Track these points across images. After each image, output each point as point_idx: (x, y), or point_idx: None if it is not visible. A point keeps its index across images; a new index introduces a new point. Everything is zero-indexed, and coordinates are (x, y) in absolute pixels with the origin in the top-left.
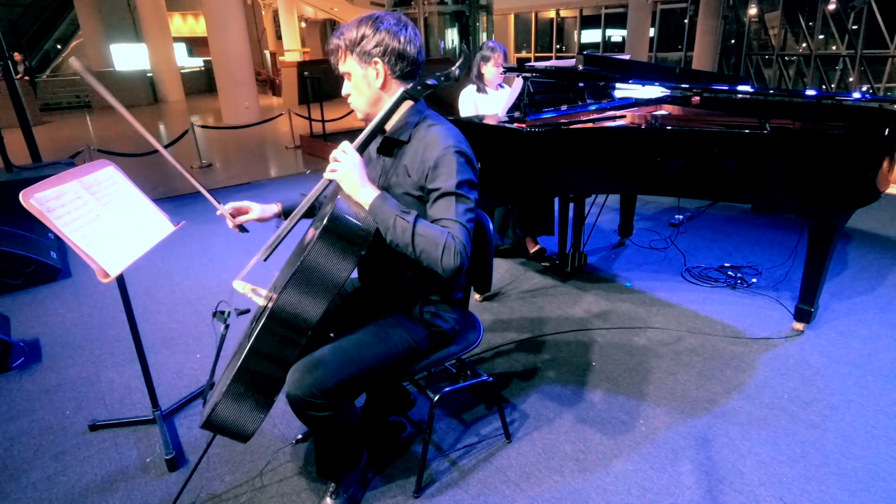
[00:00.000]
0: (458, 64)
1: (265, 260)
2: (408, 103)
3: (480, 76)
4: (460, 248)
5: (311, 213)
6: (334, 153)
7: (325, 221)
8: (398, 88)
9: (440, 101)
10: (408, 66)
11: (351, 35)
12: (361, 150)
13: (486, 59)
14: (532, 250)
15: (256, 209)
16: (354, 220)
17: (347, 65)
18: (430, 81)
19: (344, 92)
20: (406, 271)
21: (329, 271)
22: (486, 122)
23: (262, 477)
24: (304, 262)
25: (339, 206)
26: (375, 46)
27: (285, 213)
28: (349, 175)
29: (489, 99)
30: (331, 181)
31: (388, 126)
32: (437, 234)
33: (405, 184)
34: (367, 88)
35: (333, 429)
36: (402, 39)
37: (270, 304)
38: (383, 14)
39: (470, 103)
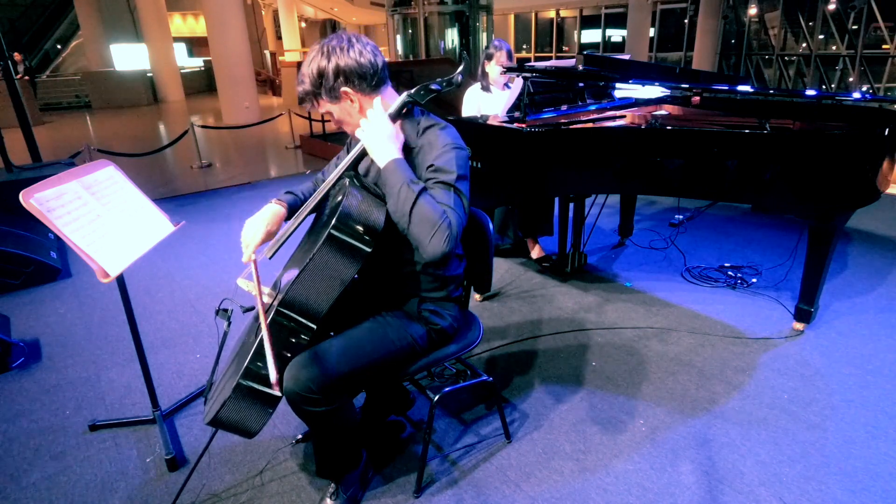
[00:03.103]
0: (459, 70)
1: (270, 258)
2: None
3: (485, 74)
4: (454, 234)
5: (315, 208)
6: (363, 119)
7: (333, 220)
8: (377, 98)
9: (442, 101)
10: (373, 77)
11: (310, 77)
12: (360, 158)
13: (489, 57)
14: (532, 250)
15: (270, 231)
16: (363, 220)
17: (323, 107)
18: (433, 87)
19: (336, 125)
20: (405, 268)
21: (336, 270)
22: (486, 122)
23: (262, 476)
24: (312, 261)
25: (347, 205)
26: (336, 78)
27: (290, 213)
28: (374, 134)
29: (493, 98)
30: (338, 179)
31: None
32: (436, 213)
33: None
34: (351, 117)
35: (331, 426)
36: (352, 55)
37: (276, 303)
38: (326, 40)
39: (473, 102)
